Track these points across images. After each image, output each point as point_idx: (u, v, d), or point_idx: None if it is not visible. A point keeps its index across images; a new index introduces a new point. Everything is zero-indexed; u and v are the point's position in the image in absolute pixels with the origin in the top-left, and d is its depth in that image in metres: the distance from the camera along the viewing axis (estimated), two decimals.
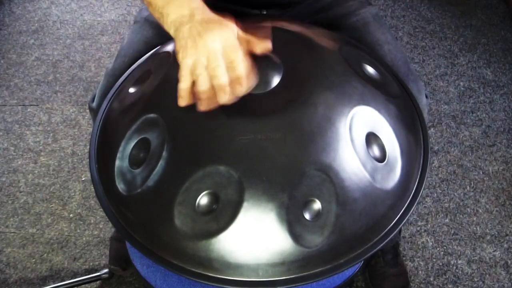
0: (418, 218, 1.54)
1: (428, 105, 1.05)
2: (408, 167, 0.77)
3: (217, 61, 0.68)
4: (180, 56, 0.70)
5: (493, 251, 1.47)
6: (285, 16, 1.05)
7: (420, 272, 1.43)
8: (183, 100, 0.70)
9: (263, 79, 0.77)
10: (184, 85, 0.69)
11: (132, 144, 0.78)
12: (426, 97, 1.03)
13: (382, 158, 0.75)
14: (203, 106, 0.70)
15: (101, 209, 1.02)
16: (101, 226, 1.54)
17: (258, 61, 0.77)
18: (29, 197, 1.62)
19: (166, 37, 0.86)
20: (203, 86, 0.69)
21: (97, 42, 2.11)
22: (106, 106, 0.90)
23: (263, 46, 0.74)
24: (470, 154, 1.69)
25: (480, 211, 1.55)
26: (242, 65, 0.69)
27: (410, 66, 1.04)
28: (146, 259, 0.92)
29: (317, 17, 1.07)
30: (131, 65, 0.96)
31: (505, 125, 1.76)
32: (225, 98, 0.69)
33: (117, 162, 0.78)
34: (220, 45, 0.69)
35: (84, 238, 1.51)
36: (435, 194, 1.59)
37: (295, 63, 0.81)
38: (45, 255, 1.49)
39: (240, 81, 0.69)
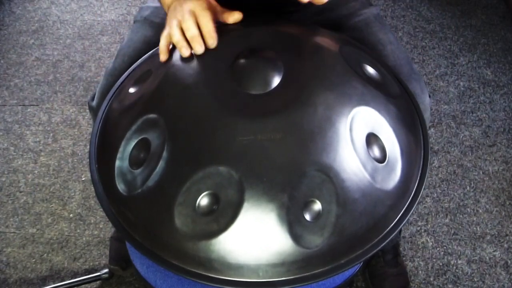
0: (418, 218, 1.54)
1: (430, 105, 1.05)
2: (408, 168, 0.77)
3: (187, 18, 0.82)
4: (166, 25, 0.86)
5: (493, 251, 1.47)
6: (287, 17, 1.05)
7: (420, 272, 1.43)
8: (163, 55, 0.84)
9: (264, 80, 0.77)
10: (162, 43, 0.85)
11: (132, 144, 0.78)
12: (429, 97, 1.03)
13: (382, 159, 0.75)
14: (184, 52, 0.82)
15: (101, 209, 1.02)
16: (101, 226, 1.54)
17: (259, 62, 0.77)
18: (29, 197, 1.62)
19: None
20: (175, 36, 0.82)
21: (97, 42, 2.11)
22: (106, 106, 0.89)
23: (233, 16, 0.88)
24: (470, 154, 1.69)
25: (480, 211, 1.55)
26: (209, 24, 0.82)
27: (412, 66, 1.04)
28: (146, 259, 0.92)
29: (319, 18, 1.07)
30: (131, 65, 0.96)
31: (505, 125, 1.76)
32: (198, 48, 0.81)
33: (117, 162, 0.78)
34: (191, 9, 0.83)
35: (84, 238, 1.51)
36: (435, 194, 1.59)
37: (296, 63, 0.81)
38: (45, 255, 1.49)
39: (211, 35, 0.81)
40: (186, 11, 0.83)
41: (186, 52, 0.82)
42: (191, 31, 0.81)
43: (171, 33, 0.83)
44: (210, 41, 0.81)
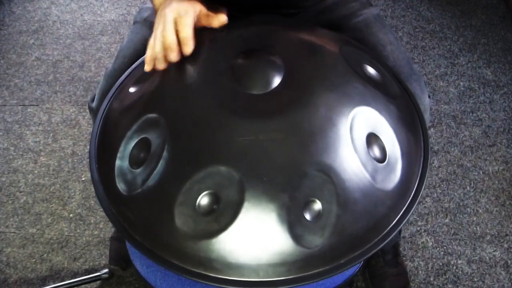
0: (418, 218, 1.54)
1: (430, 105, 1.05)
2: (408, 168, 0.77)
3: (167, 27, 0.81)
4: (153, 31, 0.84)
5: (493, 251, 1.47)
6: (287, 18, 1.05)
7: (420, 272, 1.43)
8: (147, 66, 0.83)
9: (265, 80, 0.77)
10: (147, 54, 0.83)
11: (132, 144, 0.78)
12: (429, 97, 1.03)
13: (382, 159, 0.75)
14: (158, 65, 0.82)
15: (101, 209, 1.02)
16: (101, 226, 1.54)
17: (259, 63, 0.77)
18: (29, 197, 1.62)
19: None
20: (156, 47, 0.81)
21: (97, 42, 2.11)
22: (106, 106, 0.89)
23: (219, 19, 0.86)
24: (470, 154, 1.69)
25: (480, 211, 1.55)
26: (187, 30, 0.80)
27: (412, 66, 1.04)
28: (146, 259, 0.92)
29: (320, 18, 1.07)
30: (131, 66, 0.96)
31: (505, 125, 1.76)
32: (173, 55, 0.80)
33: (118, 162, 0.78)
34: (173, 14, 0.81)
35: (84, 238, 1.52)
36: (435, 194, 1.59)
37: (296, 63, 0.81)
38: (45, 255, 1.49)
39: (186, 41, 0.80)
40: (168, 17, 0.82)
41: (160, 66, 0.82)
42: (167, 40, 0.80)
43: (151, 44, 0.82)
44: (184, 48, 0.81)
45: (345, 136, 0.73)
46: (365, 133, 0.75)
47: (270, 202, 0.68)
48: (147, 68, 0.83)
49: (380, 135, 0.76)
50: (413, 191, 0.77)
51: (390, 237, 0.72)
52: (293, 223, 0.68)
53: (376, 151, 0.75)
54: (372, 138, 0.75)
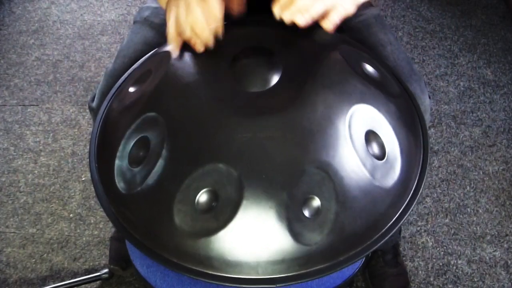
0: (418, 218, 1.54)
1: (430, 105, 1.05)
2: (407, 165, 0.77)
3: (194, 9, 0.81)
4: (167, 14, 0.85)
5: (493, 251, 1.47)
6: None
7: (420, 272, 1.43)
8: (174, 46, 0.84)
9: (263, 78, 0.77)
10: (170, 31, 0.84)
11: (131, 143, 0.78)
12: (429, 97, 1.03)
13: (381, 156, 0.75)
14: (197, 47, 0.83)
15: (101, 209, 1.02)
16: (101, 226, 1.54)
17: (258, 61, 0.77)
18: (29, 197, 1.62)
19: (166, 37, 0.86)
20: (186, 33, 0.82)
21: (97, 42, 2.11)
22: (106, 106, 0.90)
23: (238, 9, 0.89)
24: (470, 154, 1.69)
25: (480, 211, 1.55)
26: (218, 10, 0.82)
27: (413, 66, 1.04)
28: (146, 259, 0.92)
29: None
30: (131, 66, 0.96)
31: (505, 125, 1.76)
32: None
33: (117, 162, 0.78)
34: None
35: (84, 238, 1.52)
36: (435, 194, 1.59)
37: (295, 62, 0.81)
38: (45, 255, 1.49)
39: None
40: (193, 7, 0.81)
41: (201, 48, 0.82)
42: (200, 27, 0.81)
43: (181, 31, 0.82)
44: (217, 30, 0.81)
45: (343, 133, 0.73)
46: (363, 130, 0.75)
47: (269, 200, 0.68)
48: (174, 49, 0.84)
49: (379, 132, 0.76)
50: (413, 189, 0.77)
51: (390, 235, 0.72)
52: (292, 221, 0.68)
53: (375, 148, 0.75)
54: (371, 136, 0.75)
